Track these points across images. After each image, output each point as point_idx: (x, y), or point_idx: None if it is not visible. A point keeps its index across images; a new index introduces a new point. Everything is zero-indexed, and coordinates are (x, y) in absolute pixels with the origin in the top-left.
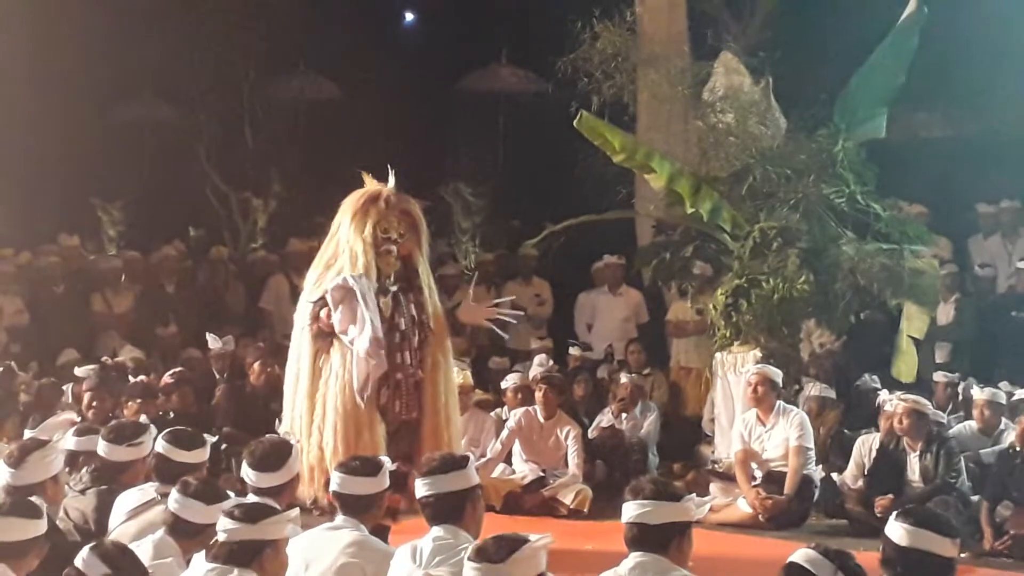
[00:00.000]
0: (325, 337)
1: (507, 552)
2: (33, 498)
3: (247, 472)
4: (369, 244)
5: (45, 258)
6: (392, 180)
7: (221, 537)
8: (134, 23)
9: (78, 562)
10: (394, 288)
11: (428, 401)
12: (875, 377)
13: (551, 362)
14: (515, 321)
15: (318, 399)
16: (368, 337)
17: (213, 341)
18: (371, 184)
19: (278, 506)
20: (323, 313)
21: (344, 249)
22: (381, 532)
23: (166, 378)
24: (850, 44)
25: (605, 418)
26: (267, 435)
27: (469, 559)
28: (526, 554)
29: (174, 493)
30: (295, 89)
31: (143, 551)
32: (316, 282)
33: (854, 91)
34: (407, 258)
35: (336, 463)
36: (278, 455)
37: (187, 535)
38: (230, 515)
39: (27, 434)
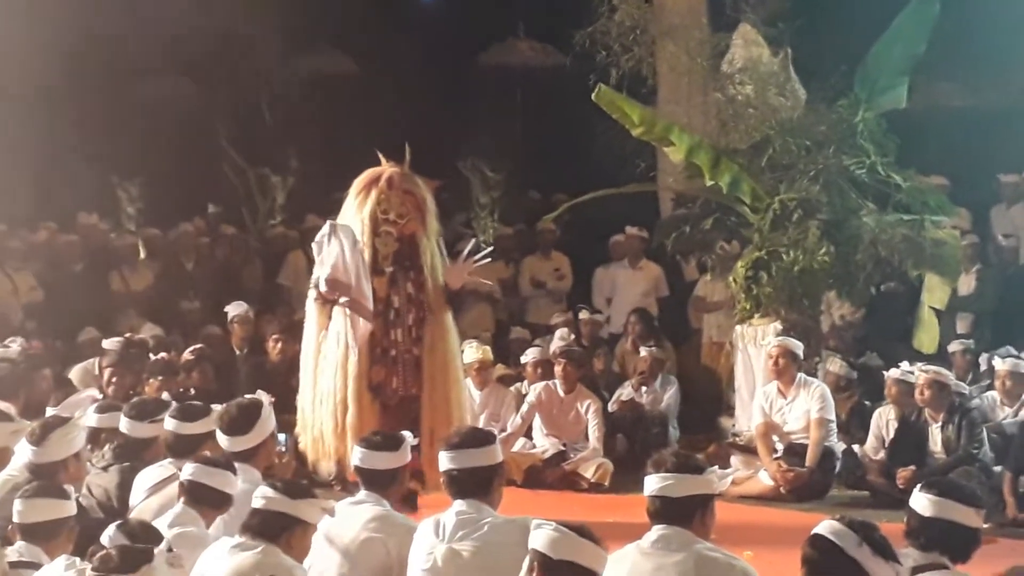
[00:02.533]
0: (326, 308)
1: None
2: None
3: (220, 437)
4: (367, 224)
5: (64, 237)
6: (407, 158)
7: (257, 504)
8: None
9: (104, 540)
10: (390, 269)
11: (427, 378)
12: (874, 354)
13: (572, 336)
14: (490, 259)
15: (319, 373)
16: (323, 275)
17: (235, 307)
18: (384, 164)
19: (255, 470)
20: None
21: None
22: (410, 497)
23: (186, 355)
24: (870, 13)
25: (625, 391)
26: (238, 398)
27: None
28: None
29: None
30: (313, 65)
31: (164, 525)
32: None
33: (874, 61)
34: (410, 238)
35: (335, 437)
36: (247, 418)
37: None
38: (272, 486)
39: (49, 411)
